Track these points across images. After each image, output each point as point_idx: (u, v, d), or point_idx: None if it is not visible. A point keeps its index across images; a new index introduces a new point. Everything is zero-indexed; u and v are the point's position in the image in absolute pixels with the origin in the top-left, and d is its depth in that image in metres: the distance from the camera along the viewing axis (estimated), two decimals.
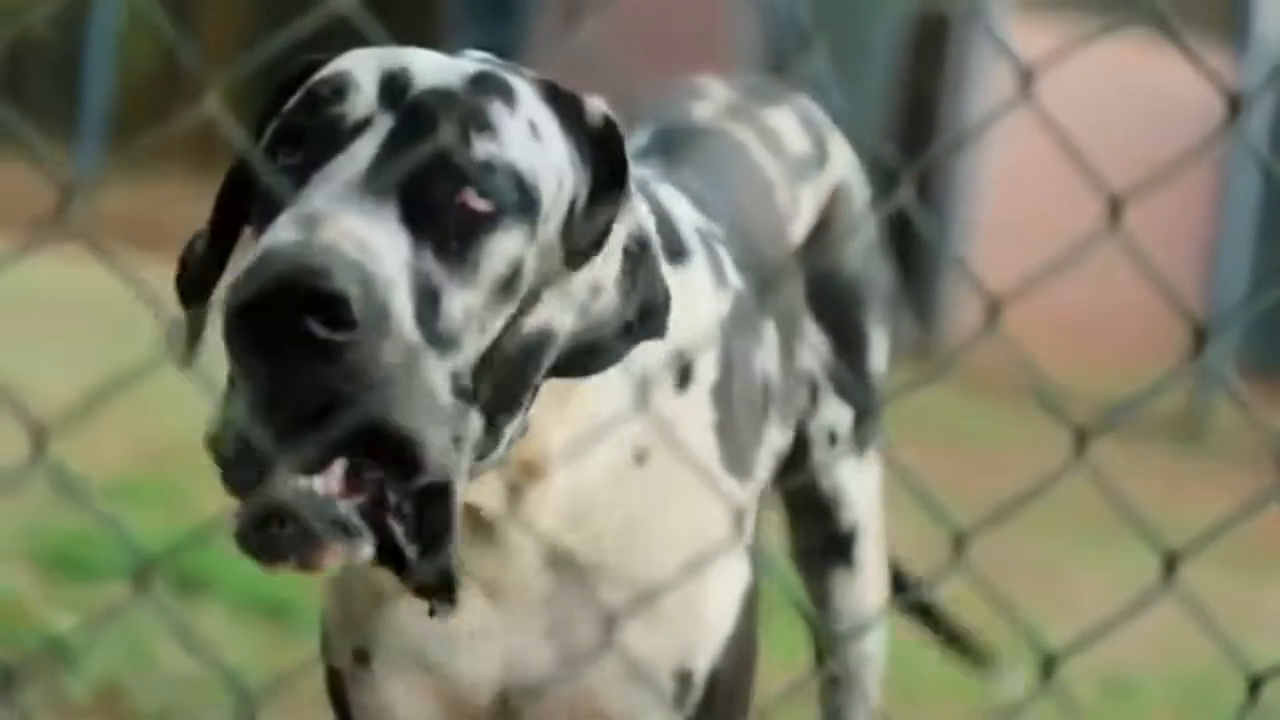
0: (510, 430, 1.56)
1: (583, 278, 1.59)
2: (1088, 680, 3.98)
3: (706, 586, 1.77)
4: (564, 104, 1.60)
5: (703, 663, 1.77)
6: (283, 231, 1.39)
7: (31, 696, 2.97)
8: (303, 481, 1.42)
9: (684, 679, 1.76)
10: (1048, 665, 1.37)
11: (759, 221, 2.18)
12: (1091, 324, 9.96)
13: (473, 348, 1.49)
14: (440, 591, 1.55)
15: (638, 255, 1.64)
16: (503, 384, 1.53)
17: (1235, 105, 1.51)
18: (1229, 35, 12.19)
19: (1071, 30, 10.20)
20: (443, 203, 1.48)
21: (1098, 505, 6.41)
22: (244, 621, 3.63)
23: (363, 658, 1.78)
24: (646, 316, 1.64)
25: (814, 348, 2.45)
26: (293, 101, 1.56)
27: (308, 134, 1.51)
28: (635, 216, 1.65)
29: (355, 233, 1.41)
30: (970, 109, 11.59)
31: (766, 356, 1.99)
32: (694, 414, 1.79)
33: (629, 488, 1.73)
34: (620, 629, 1.68)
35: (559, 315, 1.57)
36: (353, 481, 1.45)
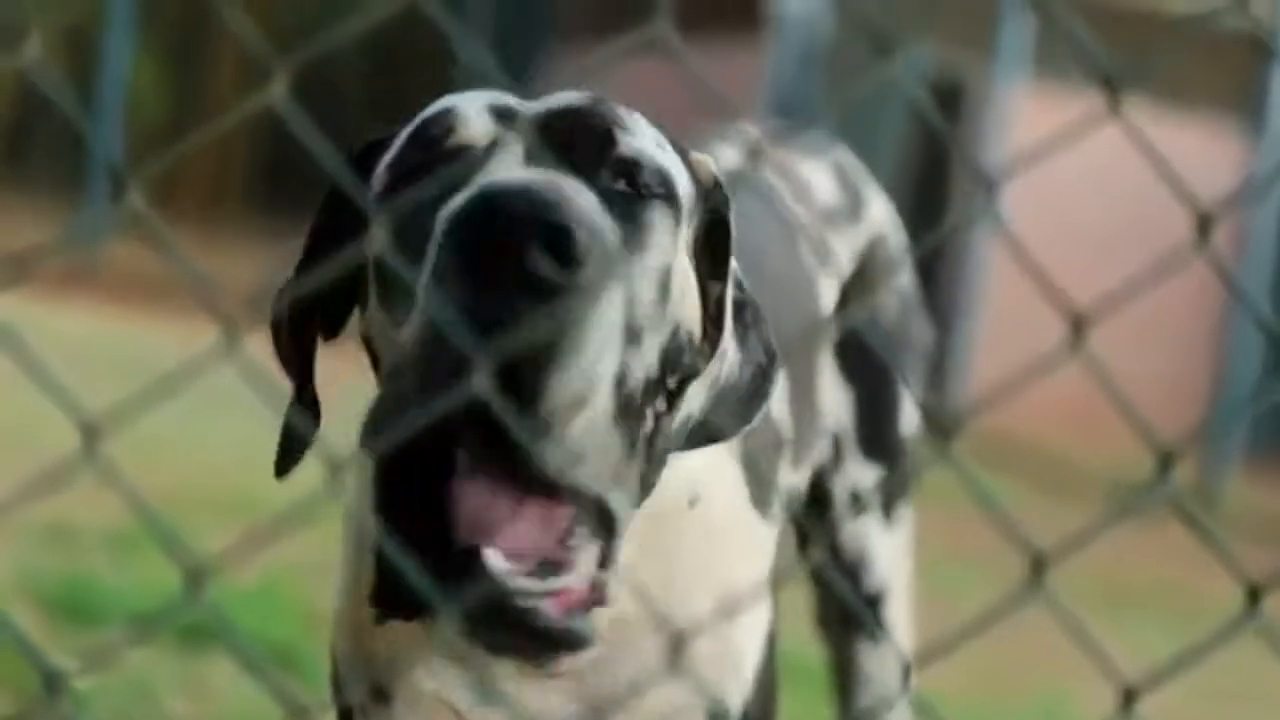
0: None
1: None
2: None
3: (738, 625, 1.72)
4: (675, 148, 1.58)
5: (736, 702, 1.72)
6: (499, 175, 1.37)
7: None
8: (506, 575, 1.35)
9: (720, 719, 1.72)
10: (1128, 697, 1.32)
11: (781, 270, 2.13)
12: (1098, 409, 9.97)
13: (650, 348, 1.44)
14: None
15: (748, 315, 1.62)
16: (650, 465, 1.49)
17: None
18: (1246, 117, 12.24)
19: (1084, 105, 10.20)
20: (608, 189, 1.45)
21: (1115, 573, 6.38)
22: (252, 670, 3.55)
23: (381, 696, 1.70)
24: (762, 377, 1.62)
25: (840, 403, 2.39)
26: (397, 148, 1.51)
27: (432, 164, 1.46)
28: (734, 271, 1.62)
29: (566, 185, 1.38)
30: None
31: (777, 398, 1.93)
32: (726, 450, 1.74)
33: (678, 530, 1.68)
34: (659, 677, 1.63)
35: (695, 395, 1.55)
36: (547, 519, 1.38)
